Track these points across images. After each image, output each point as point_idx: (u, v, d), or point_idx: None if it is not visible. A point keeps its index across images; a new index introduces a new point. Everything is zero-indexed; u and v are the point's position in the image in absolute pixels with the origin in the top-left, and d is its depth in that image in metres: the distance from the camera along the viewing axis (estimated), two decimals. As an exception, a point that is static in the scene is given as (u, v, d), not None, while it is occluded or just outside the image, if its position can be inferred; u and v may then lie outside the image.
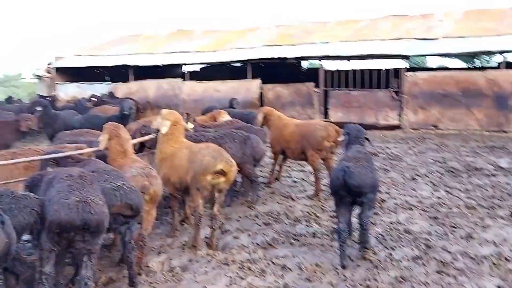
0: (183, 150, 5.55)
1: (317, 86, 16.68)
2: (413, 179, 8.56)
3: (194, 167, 5.19)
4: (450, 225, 6.04)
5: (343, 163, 4.85)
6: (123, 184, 4.20)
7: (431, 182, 8.34)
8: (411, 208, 6.81)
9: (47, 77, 21.00)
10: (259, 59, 17.52)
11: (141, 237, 4.74)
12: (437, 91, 14.86)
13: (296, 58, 17.52)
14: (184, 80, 18.89)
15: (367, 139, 5.60)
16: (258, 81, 17.35)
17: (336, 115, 16.18)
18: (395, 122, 15.39)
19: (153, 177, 4.85)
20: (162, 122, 5.81)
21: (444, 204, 7.00)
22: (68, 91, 20.66)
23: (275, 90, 17.14)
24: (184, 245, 5.45)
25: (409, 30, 17.18)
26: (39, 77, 21.90)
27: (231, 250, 5.30)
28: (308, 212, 6.60)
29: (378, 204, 6.98)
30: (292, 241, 5.55)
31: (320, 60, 16.84)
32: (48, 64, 21.04)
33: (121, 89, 19.70)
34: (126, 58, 20.16)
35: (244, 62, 17.98)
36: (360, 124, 14.76)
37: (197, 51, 19.56)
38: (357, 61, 19.47)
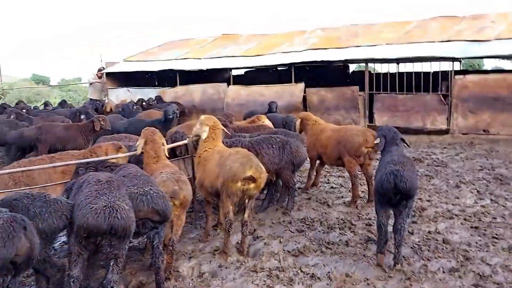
0: (215, 154, 5.60)
1: (362, 89, 16.40)
2: (457, 186, 8.24)
3: (223, 173, 5.21)
4: (492, 235, 5.78)
5: (392, 166, 4.79)
6: (150, 189, 4.27)
7: (476, 190, 8.00)
8: (452, 217, 6.57)
9: (98, 82, 21.72)
10: (303, 62, 17.43)
11: (170, 242, 4.81)
12: (488, 94, 14.25)
13: (342, 61, 17.27)
14: (229, 84, 19.03)
15: (402, 140, 5.63)
16: (301, 85, 17.23)
17: (381, 119, 15.82)
18: (443, 126, 14.87)
19: (183, 182, 4.91)
20: (201, 128, 5.91)
21: (488, 213, 6.71)
22: (119, 95, 21.32)
23: (319, 94, 16.96)
24: (215, 250, 5.49)
25: (459, 31, 16.60)
26: (91, 83, 22.72)
27: (261, 257, 5.29)
28: (343, 220, 6.50)
29: (418, 213, 6.79)
30: (324, 249, 5.48)
31: (366, 63, 16.54)
32: (99, 70, 21.76)
33: (168, 93, 20.13)
34: (173, 63, 20.58)
35: (289, 65, 17.89)
36: (407, 129, 14.60)
37: (242, 55, 19.68)
38: (405, 64, 19.13)
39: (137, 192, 4.20)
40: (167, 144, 6.33)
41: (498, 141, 13.39)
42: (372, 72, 20.40)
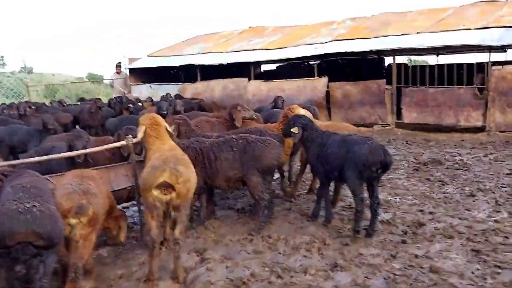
0: (148, 160, 4.71)
1: (390, 83, 15.03)
2: (472, 195, 6.92)
3: (140, 181, 4.32)
4: (495, 263, 4.55)
5: (373, 141, 5.39)
6: (33, 206, 3.41)
7: (494, 200, 6.67)
8: (453, 236, 5.34)
9: (119, 78, 21.29)
10: (326, 54, 16.23)
11: (73, 268, 3.95)
12: (530, 87, 12.59)
13: (367, 52, 15.90)
14: (252, 79, 18.05)
15: None
16: (324, 79, 16.04)
17: (410, 115, 14.40)
18: (478, 123, 13.29)
19: (92, 195, 4.05)
20: (138, 127, 5.06)
21: (500, 231, 5.43)
22: (142, 91, 20.84)
23: (343, 88, 15.70)
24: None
25: (500, 17, 14.88)
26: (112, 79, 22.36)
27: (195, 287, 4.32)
28: (315, 238, 5.39)
29: (413, 229, 5.62)
30: (274, 278, 4.43)
31: (394, 54, 15.13)
32: (117, 66, 21.26)
33: (189, 89, 19.46)
34: (194, 57, 19.85)
35: (312, 58, 16.70)
36: (438, 126, 13.11)
37: (264, 49, 18.66)
38: (442, 55, 17.50)
39: (14, 209, 3.35)
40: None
41: (541, 139, 11.76)
42: (410, 64, 18.96)
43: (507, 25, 13.96)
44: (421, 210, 6.30)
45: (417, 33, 15.39)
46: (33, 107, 15.11)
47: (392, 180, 8.00)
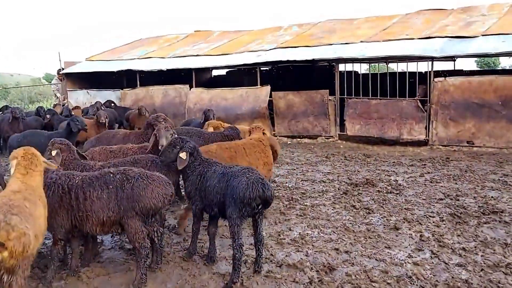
0: None
1: (333, 93, 14.45)
2: (396, 228, 6.28)
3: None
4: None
5: (255, 175, 4.72)
6: None
7: (419, 234, 6.04)
8: (360, 286, 4.64)
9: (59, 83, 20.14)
10: (268, 62, 15.58)
11: None
12: (472, 100, 12.22)
13: (309, 61, 15.27)
14: (194, 86, 17.15)
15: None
16: (267, 88, 15.35)
17: (353, 127, 13.87)
18: (421, 137, 12.87)
19: None
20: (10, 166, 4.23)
21: (417, 278, 4.77)
22: (79, 98, 19.68)
23: (286, 98, 15.04)
24: None
25: (443, 27, 14.54)
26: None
27: None
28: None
29: (318, 278, 4.89)
30: None
31: (336, 64, 14.56)
32: (58, 71, 20.12)
33: (129, 95, 18.47)
34: (134, 62, 18.83)
35: (255, 65, 15.97)
36: (381, 139, 12.61)
37: (206, 55, 17.83)
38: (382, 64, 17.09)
39: None
40: None
41: (482, 155, 11.38)
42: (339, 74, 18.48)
43: (450, 35, 13.65)
44: (336, 249, 5.59)
45: (360, 42, 14.92)
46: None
47: (316, 208, 7.30)
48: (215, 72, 23.65)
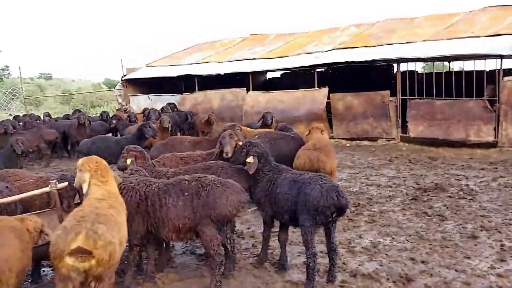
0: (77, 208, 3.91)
1: (394, 94, 14.08)
2: (474, 237, 5.97)
3: (50, 246, 3.52)
4: None
5: (328, 183, 4.64)
6: None
7: (499, 243, 5.73)
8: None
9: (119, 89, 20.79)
10: (326, 64, 15.43)
11: None
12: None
13: (369, 62, 14.91)
14: (251, 89, 17.19)
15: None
16: (325, 90, 15.17)
17: (416, 129, 13.45)
18: (489, 138, 12.30)
19: None
20: (81, 174, 4.24)
21: (504, 291, 4.51)
22: (140, 103, 20.19)
23: (345, 100, 14.80)
24: None
25: (511, 23, 13.84)
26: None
27: None
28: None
29: (399, 285, 4.71)
30: None
31: (398, 64, 14.19)
32: (123, 77, 20.77)
33: (188, 99, 18.75)
34: (192, 67, 19.13)
35: (312, 67, 15.80)
36: (446, 141, 12.20)
37: (263, 58, 17.84)
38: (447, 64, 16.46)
39: None
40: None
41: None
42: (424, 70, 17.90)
43: (520, 32, 12.96)
44: (412, 258, 5.38)
45: (423, 41, 14.46)
46: (20, 123, 14.58)
47: (386, 214, 7.08)
48: (269, 75, 23.64)
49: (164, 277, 5.04)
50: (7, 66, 31.27)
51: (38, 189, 4.96)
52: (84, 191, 4.21)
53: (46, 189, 4.49)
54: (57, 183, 4.50)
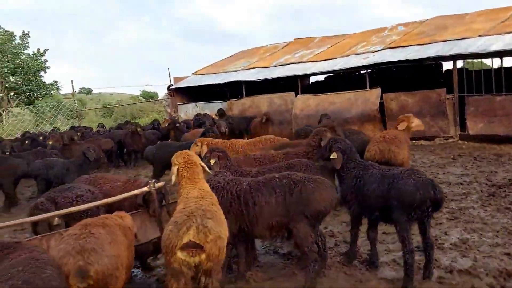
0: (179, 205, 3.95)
1: (451, 92, 13.75)
2: None
3: (161, 242, 3.56)
4: None
5: (422, 176, 4.56)
6: None
7: None
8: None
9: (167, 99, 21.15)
10: (377, 64, 15.16)
11: None
12: None
13: (424, 60, 14.61)
14: (299, 93, 17.13)
15: None
16: (377, 90, 14.93)
17: (476, 126, 13.08)
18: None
19: (91, 252, 3.31)
20: (172, 168, 4.32)
21: None
22: (188, 111, 20.45)
23: (399, 99, 14.53)
24: None
25: None
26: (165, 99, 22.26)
27: None
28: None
29: (499, 285, 4.54)
30: None
31: (454, 60, 13.86)
32: (168, 88, 21.12)
33: (236, 105, 18.85)
34: (239, 74, 19.24)
35: (363, 68, 15.63)
36: (508, 138, 11.86)
37: (310, 61, 17.77)
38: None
39: None
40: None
41: None
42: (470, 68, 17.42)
43: None
44: (507, 254, 5.18)
45: (479, 36, 14.07)
46: (78, 134, 14.95)
47: (466, 211, 6.86)
48: (312, 79, 23.52)
49: (255, 275, 5.02)
50: (56, 81, 31.97)
51: (126, 191, 5.05)
52: (172, 182, 4.29)
53: (145, 189, 4.55)
54: (155, 183, 4.55)
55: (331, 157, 5.23)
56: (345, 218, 6.84)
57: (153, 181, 4.62)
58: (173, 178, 4.30)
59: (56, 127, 22.18)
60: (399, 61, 14.58)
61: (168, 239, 3.47)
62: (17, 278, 2.82)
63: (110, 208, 5.07)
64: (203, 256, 3.46)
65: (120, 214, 4.25)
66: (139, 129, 13.70)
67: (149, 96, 43.13)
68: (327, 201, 4.52)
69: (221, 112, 17.38)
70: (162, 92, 25.35)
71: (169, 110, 21.30)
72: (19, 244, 3.25)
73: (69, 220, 4.97)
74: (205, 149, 7.92)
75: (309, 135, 8.63)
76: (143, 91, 49.59)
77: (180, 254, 3.44)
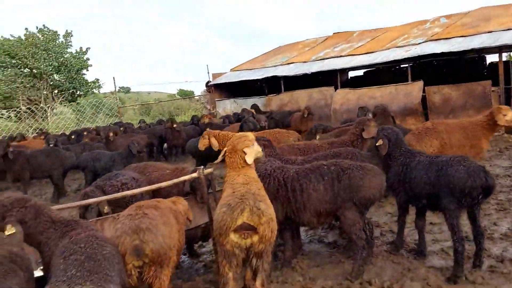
0: (226, 190, 4.01)
1: (497, 84, 13.38)
2: None
3: (214, 224, 3.63)
4: None
5: (473, 163, 4.45)
6: None
7: None
8: None
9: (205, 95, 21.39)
10: (419, 56, 14.89)
11: None
12: None
13: (467, 51, 14.27)
14: (339, 87, 17.02)
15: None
16: (420, 84, 14.67)
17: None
18: None
19: (146, 231, 3.41)
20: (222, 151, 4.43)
21: None
22: (226, 107, 20.62)
23: (442, 92, 14.24)
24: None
25: None
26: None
27: None
28: (425, 286, 4.37)
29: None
30: None
31: (500, 52, 13.48)
32: (207, 84, 21.35)
33: (274, 101, 18.88)
34: (277, 69, 19.24)
35: (404, 61, 15.39)
36: None
37: (350, 55, 17.60)
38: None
39: None
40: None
41: None
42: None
43: None
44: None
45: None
46: (121, 129, 15.32)
47: (518, 203, 6.69)
48: (351, 74, 23.31)
49: (301, 263, 5.05)
50: (97, 79, 32.76)
51: (174, 178, 5.16)
52: (218, 160, 4.41)
53: (194, 175, 4.65)
54: (204, 169, 4.64)
55: (377, 144, 5.21)
56: (390, 209, 6.80)
57: (201, 167, 4.71)
58: (220, 157, 4.38)
59: (97, 125, 22.77)
60: (442, 54, 14.29)
61: (222, 221, 3.53)
62: (79, 253, 2.94)
63: (158, 196, 5.21)
64: (256, 238, 3.51)
65: (172, 199, 4.37)
66: (175, 125, 13.92)
67: (185, 95, 43.65)
68: (376, 188, 4.51)
69: (256, 107, 17.45)
70: (198, 91, 25.54)
71: (208, 107, 21.53)
72: (78, 223, 3.38)
73: (116, 208, 5.15)
74: (213, 141, 8.32)
75: (326, 131, 8.72)
76: (180, 89, 50.26)
77: (233, 236, 3.50)
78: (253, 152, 4.27)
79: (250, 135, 4.39)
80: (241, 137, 4.37)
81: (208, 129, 14.40)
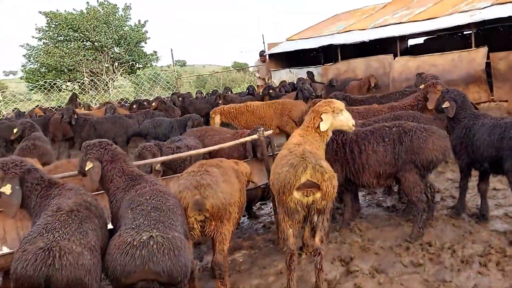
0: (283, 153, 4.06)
1: None
2: None
3: (275, 182, 3.71)
4: None
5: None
6: (150, 237, 2.81)
7: None
8: None
9: (259, 65, 21.39)
10: (485, 21, 14.16)
11: (216, 265, 3.63)
12: None
13: None
14: (398, 55, 16.56)
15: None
16: (484, 50, 13.97)
17: None
18: None
19: (207, 187, 3.57)
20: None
21: None
22: (282, 77, 20.55)
23: (508, 59, 13.53)
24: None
25: None
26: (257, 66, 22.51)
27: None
28: (490, 248, 4.30)
29: None
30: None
31: None
32: (261, 54, 21.32)
33: (331, 70, 18.61)
34: (334, 37, 18.89)
35: (467, 27, 14.71)
36: None
37: (410, 21, 17.00)
38: None
39: (129, 243, 2.79)
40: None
41: None
42: None
43: None
44: None
45: None
46: (179, 99, 15.73)
47: None
48: (411, 42, 22.53)
49: (359, 225, 5.10)
50: (155, 52, 33.47)
51: (234, 140, 5.30)
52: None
53: (255, 136, 4.77)
54: (264, 130, 4.75)
55: (443, 106, 5.09)
56: (451, 176, 6.68)
57: (261, 128, 4.81)
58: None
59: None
60: (510, 18, 13.51)
61: (285, 179, 3.59)
62: (146, 204, 3.14)
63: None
64: (318, 194, 3.57)
65: (235, 160, 4.52)
66: (225, 95, 14.13)
67: (240, 67, 43.83)
68: (439, 150, 4.46)
69: (310, 76, 17.32)
70: (253, 63, 25.62)
71: (258, 75, 21.53)
72: (144, 178, 3.57)
73: (167, 169, 5.36)
74: (216, 120, 8.96)
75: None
76: (234, 62, 50.51)
77: (296, 194, 3.57)
78: (329, 120, 4.19)
79: (339, 104, 4.29)
80: (327, 102, 4.36)
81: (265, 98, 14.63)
